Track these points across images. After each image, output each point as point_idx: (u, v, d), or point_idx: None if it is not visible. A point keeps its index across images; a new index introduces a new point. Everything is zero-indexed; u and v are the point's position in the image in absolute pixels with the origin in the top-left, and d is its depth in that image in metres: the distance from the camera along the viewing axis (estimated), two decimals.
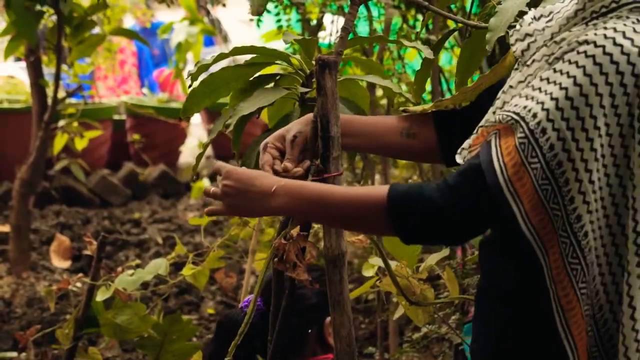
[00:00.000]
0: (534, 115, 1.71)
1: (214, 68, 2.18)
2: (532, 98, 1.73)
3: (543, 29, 1.86)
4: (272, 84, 2.20)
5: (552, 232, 1.74)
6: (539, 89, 1.74)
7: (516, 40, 1.91)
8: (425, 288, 2.52)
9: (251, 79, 2.19)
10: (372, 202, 1.83)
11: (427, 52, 2.18)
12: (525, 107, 1.73)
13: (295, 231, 2.04)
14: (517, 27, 1.93)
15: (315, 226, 2.96)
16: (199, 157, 2.18)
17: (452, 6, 3.68)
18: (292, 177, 1.98)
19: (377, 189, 1.86)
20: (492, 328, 1.95)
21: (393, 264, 2.65)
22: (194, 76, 2.14)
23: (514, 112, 1.73)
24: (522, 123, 1.71)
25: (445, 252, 2.84)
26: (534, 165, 1.70)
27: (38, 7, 5.29)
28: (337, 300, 2.04)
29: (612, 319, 1.79)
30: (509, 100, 1.84)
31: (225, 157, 7.90)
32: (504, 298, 1.92)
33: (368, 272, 3.15)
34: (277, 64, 2.18)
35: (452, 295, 2.77)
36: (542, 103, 1.71)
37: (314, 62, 1.97)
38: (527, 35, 1.89)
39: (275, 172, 1.99)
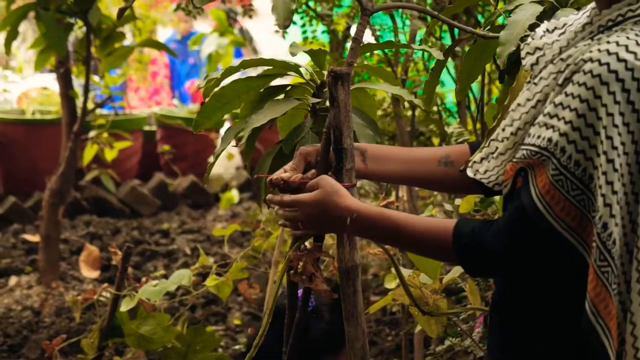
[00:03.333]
0: (562, 150, 1.72)
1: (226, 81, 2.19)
2: (553, 128, 1.74)
3: (552, 43, 1.86)
4: (282, 95, 2.21)
5: (589, 225, 1.75)
6: (556, 116, 1.74)
7: (526, 53, 1.91)
8: (438, 298, 2.51)
9: (262, 90, 2.20)
10: (441, 240, 1.88)
11: (437, 54, 2.17)
12: (550, 141, 1.74)
13: (309, 242, 2.04)
14: (529, 40, 1.93)
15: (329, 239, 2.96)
16: (210, 166, 2.19)
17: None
18: (289, 187, 1.99)
19: (445, 227, 1.90)
20: (504, 339, 1.95)
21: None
22: (206, 92, 2.15)
23: (541, 147, 1.75)
24: (554, 160, 1.73)
25: None
26: (579, 197, 1.73)
27: (68, 19, 5.34)
28: (351, 312, 2.04)
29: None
30: (518, 118, 1.87)
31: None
32: (515, 309, 1.92)
33: (390, 284, 3.14)
34: (288, 75, 2.18)
35: (475, 306, 2.76)
36: (566, 134, 1.72)
37: (324, 73, 1.98)
38: (537, 49, 1.89)
39: (272, 184, 2.00)
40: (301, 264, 2.06)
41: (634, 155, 1.70)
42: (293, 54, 2.09)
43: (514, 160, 1.83)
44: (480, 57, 2.21)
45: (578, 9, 2.09)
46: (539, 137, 1.76)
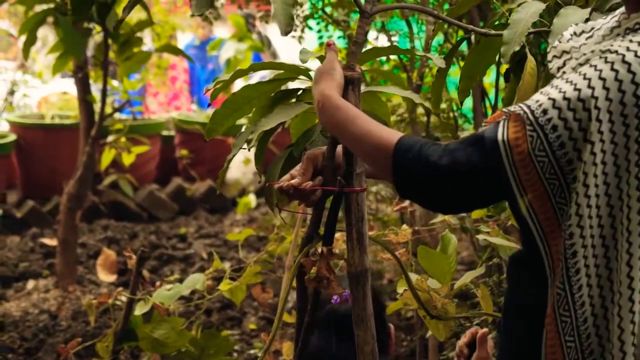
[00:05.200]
0: (544, 112, 1.72)
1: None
2: (548, 95, 1.74)
3: (580, 47, 1.86)
4: (294, 100, 2.21)
5: (554, 224, 1.74)
6: (556, 86, 1.75)
7: (553, 57, 1.91)
8: (447, 302, 2.51)
9: (273, 95, 2.20)
10: (383, 144, 1.85)
11: (439, 62, 2.18)
12: (537, 102, 1.74)
13: (319, 247, 2.05)
14: (556, 43, 1.92)
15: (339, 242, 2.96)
16: (222, 173, 2.19)
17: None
18: (299, 193, 1.99)
19: (391, 134, 1.87)
20: (513, 343, 1.95)
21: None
22: (213, 95, 2.16)
23: (526, 105, 1.75)
24: (531, 116, 1.73)
25: (481, 270, 2.83)
26: (541, 158, 1.71)
27: (86, 25, 5.37)
28: (360, 317, 2.04)
29: (595, 333, 1.76)
30: None
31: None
32: (524, 314, 1.92)
33: (401, 289, 3.14)
34: (299, 79, 2.18)
35: (486, 312, 2.76)
36: (554, 100, 1.72)
37: None
38: (564, 52, 1.89)
39: (282, 191, 2.01)
40: (314, 268, 2.06)
41: (624, 150, 1.69)
42: (303, 61, 2.09)
43: (503, 109, 1.82)
44: (483, 57, 2.21)
45: (582, 6, 2.09)
46: (531, 99, 1.77)
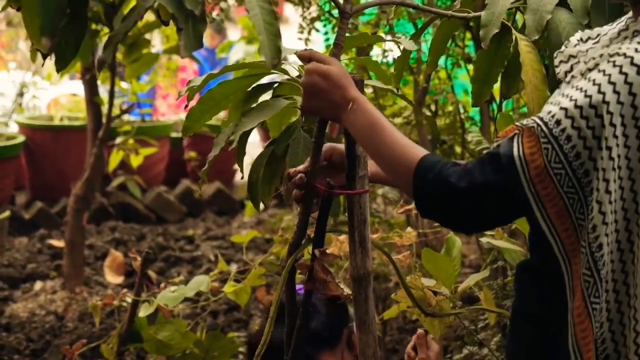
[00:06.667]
0: (557, 122, 1.71)
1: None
2: (559, 104, 1.73)
3: (587, 51, 1.85)
4: (269, 92, 2.20)
5: (575, 241, 1.73)
6: (567, 95, 1.74)
7: (560, 62, 1.91)
8: (441, 299, 2.51)
9: (249, 89, 2.19)
10: (406, 160, 1.86)
11: (408, 45, 2.17)
12: (549, 113, 1.73)
13: (315, 250, 2.04)
14: (562, 48, 1.92)
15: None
16: (203, 173, 2.19)
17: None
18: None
19: (415, 151, 1.87)
20: (522, 349, 1.94)
21: (431, 283, 2.64)
22: (189, 96, 2.16)
23: (539, 117, 1.74)
24: (545, 128, 1.72)
25: (486, 273, 2.82)
26: (558, 171, 1.71)
27: (93, 26, 5.37)
28: (362, 320, 2.04)
29: (610, 338, 1.75)
30: None
31: None
32: (532, 320, 1.91)
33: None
34: (273, 73, 2.17)
35: (489, 317, 2.75)
36: (566, 109, 1.71)
37: None
38: (571, 57, 1.89)
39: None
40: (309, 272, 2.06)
41: (637, 152, 1.68)
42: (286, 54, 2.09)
43: (516, 124, 1.81)
44: (494, 61, 2.18)
45: None
46: (544, 111, 1.76)
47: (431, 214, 1.90)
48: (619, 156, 1.68)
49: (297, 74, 2.17)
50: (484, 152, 1.84)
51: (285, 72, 2.17)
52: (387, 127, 1.90)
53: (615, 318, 1.73)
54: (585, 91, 1.71)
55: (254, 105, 2.16)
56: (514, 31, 2.07)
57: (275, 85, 2.22)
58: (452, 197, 1.80)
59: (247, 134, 2.12)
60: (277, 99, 2.17)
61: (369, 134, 1.91)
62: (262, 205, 2.19)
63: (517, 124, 1.79)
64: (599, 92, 1.69)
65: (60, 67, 2.19)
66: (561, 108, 1.71)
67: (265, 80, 2.22)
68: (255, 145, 9.57)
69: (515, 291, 2.05)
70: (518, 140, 1.75)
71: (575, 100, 1.71)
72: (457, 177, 1.78)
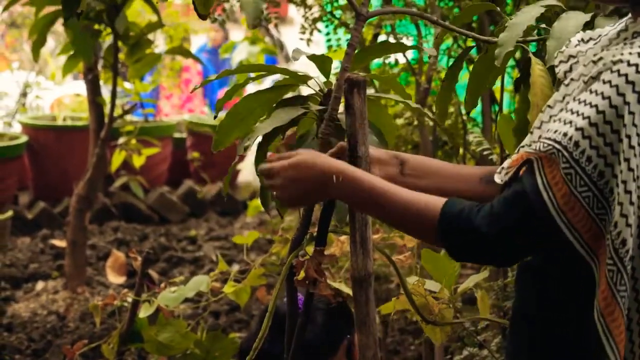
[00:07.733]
0: (576, 145, 1.68)
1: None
2: (570, 123, 1.70)
3: (587, 51, 1.84)
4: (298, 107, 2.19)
5: (604, 253, 1.72)
6: (577, 112, 1.71)
7: (560, 62, 1.90)
8: (444, 307, 2.49)
9: (275, 104, 2.18)
10: (427, 216, 1.84)
11: (430, 51, 2.16)
12: (565, 135, 1.70)
13: (311, 248, 2.03)
14: (563, 48, 1.91)
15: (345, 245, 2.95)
16: (227, 179, 2.18)
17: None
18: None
19: (434, 202, 1.85)
20: (523, 350, 1.93)
21: (430, 284, 2.64)
22: (218, 106, 2.15)
23: (555, 141, 1.71)
24: (565, 153, 1.69)
25: (485, 274, 2.82)
26: (585, 194, 1.69)
27: (96, 26, 5.37)
28: (363, 321, 2.03)
29: (628, 338, 1.74)
30: (547, 120, 1.82)
31: None
32: (533, 321, 1.90)
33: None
34: (296, 85, 2.16)
35: (482, 316, 2.74)
36: (582, 129, 1.68)
37: (330, 81, 1.96)
38: (571, 57, 1.88)
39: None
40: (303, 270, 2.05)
41: None
42: (296, 58, 2.07)
43: (527, 150, 1.79)
44: (490, 66, 2.18)
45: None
46: (555, 131, 1.73)
47: (466, 260, 1.92)
48: (637, 166, 1.67)
49: (319, 88, 2.16)
50: (509, 191, 1.80)
51: (306, 83, 2.14)
52: (387, 188, 1.88)
53: (632, 307, 1.73)
54: (596, 106, 1.68)
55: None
56: (530, 54, 2.07)
57: (301, 100, 2.19)
58: (485, 245, 1.79)
59: (267, 141, 2.11)
60: (294, 106, 2.15)
61: (369, 201, 1.89)
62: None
63: (529, 150, 1.77)
64: (611, 105, 1.67)
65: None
66: (577, 129, 1.68)
67: (289, 94, 2.21)
68: None
69: (516, 292, 2.04)
70: (540, 172, 1.73)
71: (589, 117, 1.68)
72: (486, 225, 1.77)
